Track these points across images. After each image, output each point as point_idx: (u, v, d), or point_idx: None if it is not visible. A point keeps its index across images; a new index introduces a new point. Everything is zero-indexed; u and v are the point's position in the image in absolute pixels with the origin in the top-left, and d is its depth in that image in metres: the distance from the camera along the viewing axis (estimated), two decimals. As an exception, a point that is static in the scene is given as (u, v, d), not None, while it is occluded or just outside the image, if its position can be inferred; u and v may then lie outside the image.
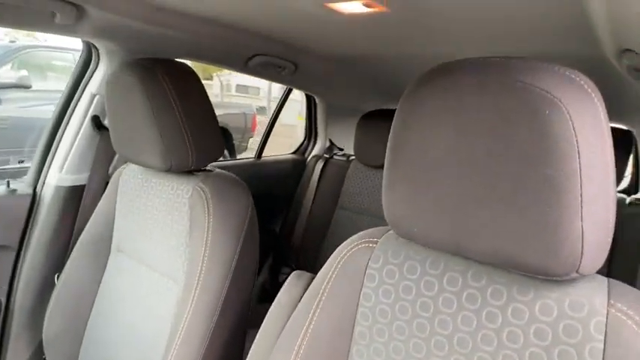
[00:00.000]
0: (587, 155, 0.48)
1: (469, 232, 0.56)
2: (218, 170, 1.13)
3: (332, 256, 0.76)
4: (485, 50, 1.18)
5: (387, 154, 0.63)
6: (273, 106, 2.17)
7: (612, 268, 1.32)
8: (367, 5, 0.94)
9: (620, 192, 1.67)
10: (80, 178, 1.33)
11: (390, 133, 0.63)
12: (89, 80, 1.27)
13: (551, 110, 0.49)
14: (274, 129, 2.15)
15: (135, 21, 1.10)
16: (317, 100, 2.07)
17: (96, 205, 1.25)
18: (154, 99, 0.97)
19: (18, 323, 1.30)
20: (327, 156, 2.04)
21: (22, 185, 1.31)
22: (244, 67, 1.49)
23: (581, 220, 0.49)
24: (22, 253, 1.30)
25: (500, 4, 0.85)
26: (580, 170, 0.48)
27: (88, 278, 1.19)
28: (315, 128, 2.16)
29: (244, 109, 6.35)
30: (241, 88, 10.36)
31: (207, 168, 1.14)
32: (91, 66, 1.26)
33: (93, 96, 1.27)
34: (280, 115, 2.14)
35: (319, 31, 1.22)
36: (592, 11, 0.77)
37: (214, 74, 9.02)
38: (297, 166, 2.12)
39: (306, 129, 2.20)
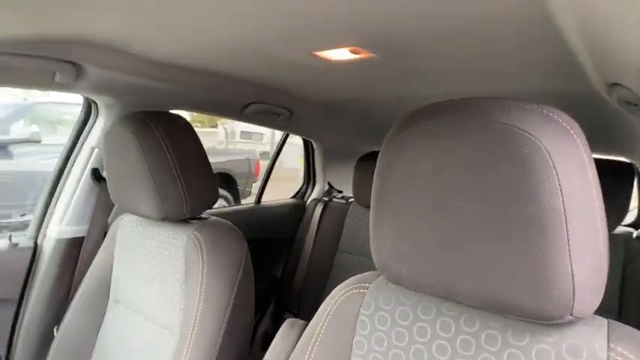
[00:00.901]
0: (570, 193, 0.48)
1: (457, 275, 0.55)
2: (214, 217, 1.14)
3: (324, 303, 0.75)
4: (476, 89, 1.21)
5: (372, 197, 0.64)
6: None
7: (623, 307, 1.27)
8: (354, 52, 0.98)
9: (627, 226, 1.64)
10: (80, 230, 1.34)
11: (374, 177, 0.64)
12: (89, 134, 1.31)
13: (530, 149, 0.49)
14: (277, 173, 2.17)
15: (130, 76, 1.14)
16: (314, 144, 2.10)
17: (95, 256, 1.25)
18: (148, 151, 1.00)
19: None
20: (326, 199, 2.05)
21: (24, 238, 1.32)
22: (240, 115, 1.54)
23: (570, 260, 0.48)
24: (23, 305, 1.29)
25: (485, 47, 0.88)
26: (564, 209, 0.48)
27: (86, 330, 1.18)
28: (314, 172, 2.18)
29: (248, 154, 6.45)
30: (245, 135, 10.56)
31: (204, 215, 1.15)
32: (90, 120, 1.31)
33: (92, 149, 1.31)
34: (282, 159, 2.17)
35: (311, 77, 1.26)
36: (576, 49, 0.79)
37: (219, 122, 9.24)
38: (296, 210, 2.13)
39: (304, 173, 2.23)
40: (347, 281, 0.75)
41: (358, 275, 0.75)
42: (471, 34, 0.81)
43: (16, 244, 1.26)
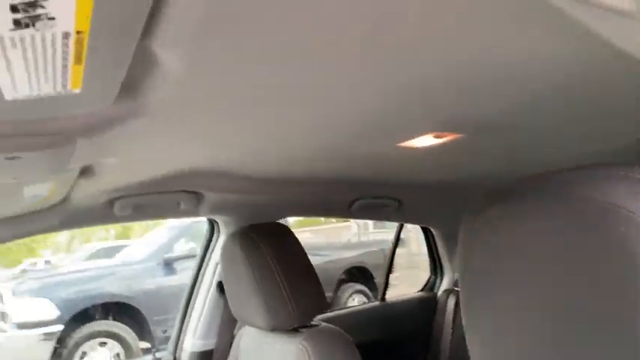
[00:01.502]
0: None
1: None
2: (323, 324, 1.11)
3: None
4: (581, 152, 1.05)
5: (460, 292, 0.55)
6: (412, 237, 2.14)
7: None
8: (438, 137, 0.94)
9: None
10: (209, 343, 1.42)
11: (457, 270, 0.56)
12: (213, 250, 1.45)
13: (627, 226, 0.38)
14: (415, 262, 2.09)
15: (243, 195, 1.26)
16: (433, 231, 1.98)
17: None
18: (254, 264, 1.05)
19: None
20: (458, 288, 1.86)
21: (166, 353, 1.45)
22: (347, 212, 1.55)
23: None
24: None
25: (592, 107, 0.77)
26: None
27: None
28: (439, 260, 2.03)
29: (381, 245, 6.38)
30: (379, 224, 10.59)
31: (315, 322, 1.12)
32: (213, 237, 1.45)
33: (216, 264, 1.43)
34: (416, 246, 2.09)
35: (404, 166, 1.24)
36: None
37: (350, 216, 9.54)
38: (427, 304, 1.96)
39: (430, 262, 2.08)
40: None
41: None
42: (573, 97, 0.71)
43: (159, 359, 1.38)
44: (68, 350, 3.82)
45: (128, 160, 0.83)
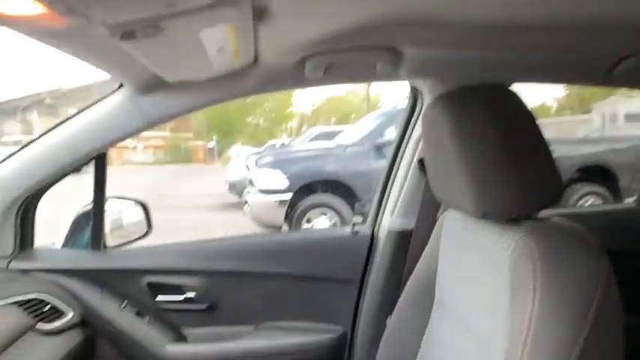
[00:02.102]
0: None
1: None
2: (556, 219, 0.83)
3: None
4: None
5: None
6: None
7: None
8: None
9: None
10: (409, 222, 1.31)
11: None
12: (415, 124, 1.26)
13: None
14: None
15: (452, 50, 1.00)
16: None
17: (422, 251, 1.19)
18: (459, 134, 0.82)
19: (358, 356, 1.38)
20: None
21: (364, 227, 1.42)
22: (606, 77, 1.10)
23: None
24: (363, 289, 1.39)
25: None
26: None
27: (411, 329, 1.13)
28: None
29: (634, 141, 5.15)
30: (633, 117, 8.44)
31: (543, 216, 0.86)
32: (416, 109, 1.25)
33: (418, 139, 1.25)
34: None
35: None
36: None
37: (593, 106, 7.79)
38: None
39: None
40: None
41: None
42: None
43: (357, 232, 1.37)
44: (297, 215, 4.60)
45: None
